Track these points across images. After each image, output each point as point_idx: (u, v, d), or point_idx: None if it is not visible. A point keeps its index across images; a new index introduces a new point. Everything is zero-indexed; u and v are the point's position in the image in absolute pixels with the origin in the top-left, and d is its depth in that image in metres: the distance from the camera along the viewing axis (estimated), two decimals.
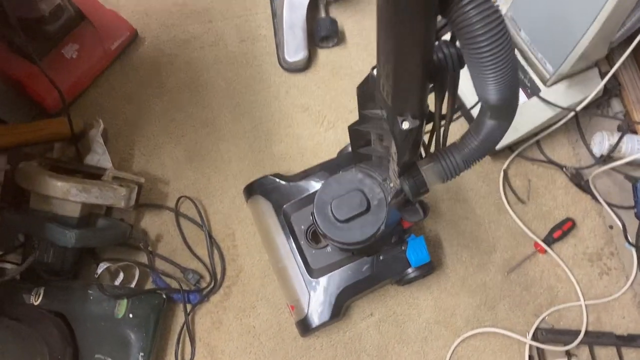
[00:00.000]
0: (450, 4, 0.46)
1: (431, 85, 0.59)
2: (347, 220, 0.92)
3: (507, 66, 0.49)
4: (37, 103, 1.13)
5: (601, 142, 1.21)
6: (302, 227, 1.06)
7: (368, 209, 0.92)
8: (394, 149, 0.79)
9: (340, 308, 1.02)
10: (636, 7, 0.96)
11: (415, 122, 0.57)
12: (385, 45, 0.52)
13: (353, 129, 0.81)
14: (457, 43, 0.54)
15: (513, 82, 0.52)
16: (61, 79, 1.14)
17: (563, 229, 1.16)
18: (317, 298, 1.02)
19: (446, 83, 0.59)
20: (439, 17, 0.49)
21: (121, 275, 1.05)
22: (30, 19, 1.07)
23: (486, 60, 0.49)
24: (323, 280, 1.03)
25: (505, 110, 0.58)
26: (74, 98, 1.19)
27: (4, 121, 1.13)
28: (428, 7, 0.45)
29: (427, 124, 0.65)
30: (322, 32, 1.25)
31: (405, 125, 0.57)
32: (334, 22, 1.26)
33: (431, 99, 0.61)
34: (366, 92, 0.67)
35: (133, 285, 1.05)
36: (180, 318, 1.06)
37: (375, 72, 0.63)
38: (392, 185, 0.93)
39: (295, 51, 1.24)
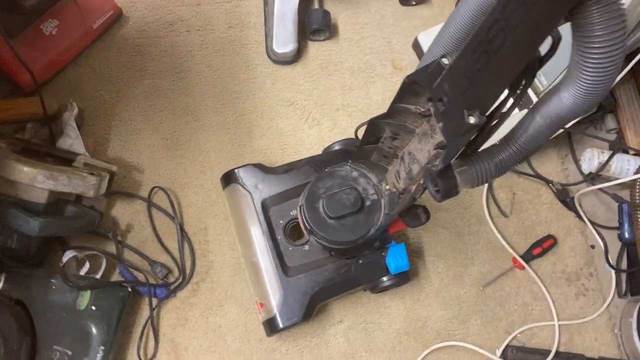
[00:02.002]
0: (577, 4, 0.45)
1: None
2: (338, 218, 0.90)
3: (609, 74, 0.49)
4: (11, 80, 1.09)
5: (591, 159, 1.18)
6: (281, 221, 1.03)
7: (361, 209, 0.91)
8: (414, 147, 0.77)
9: (312, 310, 1.00)
10: (636, 28, 0.92)
11: (483, 118, 0.56)
12: (485, 36, 0.50)
13: (374, 122, 0.79)
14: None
15: (604, 91, 0.51)
16: (38, 56, 1.11)
17: (543, 246, 1.14)
18: (289, 297, 0.99)
19: (519, 84, 0.58)
20: None
21: (87, 265, 1.02)
22: None
23: (592, 62, 0.48)
24: (298, 279, 0.99)
25: (568, 119, 0.57)
26: (50, 76, 1.14)
27: None
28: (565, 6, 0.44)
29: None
30: (313, 25, 1.21)
31: (472, 120, 0.56)
32: (326, 15, 1.22)
33: None
34: (416, 84, 0.64)
35: (99, 275, 1.03)
36: (145, 312, 1.04)
37: (444, 61, 0.61)
38: (387, 187, 0.90)
39: (284, 42, 1.19)
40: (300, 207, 0.95)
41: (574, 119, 0.58)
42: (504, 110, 0.63)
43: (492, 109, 0.62)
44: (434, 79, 0.62)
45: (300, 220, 0.96)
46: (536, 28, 0.46)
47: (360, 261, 1.01)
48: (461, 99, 0.58)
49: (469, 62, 0.55)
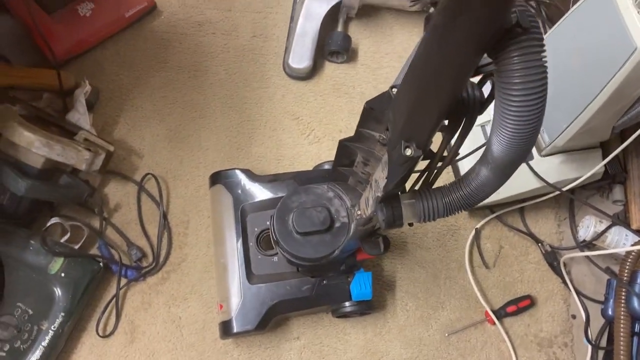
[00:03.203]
0: (501, 45, 0.46)
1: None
2: (305, 234, 0.91)
3: (530, 124, 0.48)
4: (41, 51, 1.17)
5: (588, 227, 1.14)
6: (256, 229, 1.04)
7: (329, 228, 0.92)
8: (378, 175, 0.78)
9: (267, 321, 1.00)
10: None
11: (419, 152, 0.57)
12: (417, 69, 0.51)
13: (343, 144, 0.81)
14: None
15: (529, 142, 0.51)
16: (70, 33, 1.19)
17: (519, 305, 1.10)
18: (247, 304, 1.00)
19: (459, 125, 0.59)
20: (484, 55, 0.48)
21: (68, 234, 1.07)
22: None
23: (512, 110, 0.48)
24: (259, 287, 1.01)
25: (507, 168, 0.57)
26: (78, 54, 1.22)
27: (9, 62, 1.18)
28: (482, 43, 0.44)
29: (424, 159, 0.64)
30: (332, 46, 1.23)
31: (408, 152, 0.57)
32: (346, 39, 1.24)
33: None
34: (374, 110, 0.67)
35: (77, 246, 1.07)
36: (112, 290, 1.07)
37: (394, 91, 0.63)
38: (359, 212, 0.91)
39: (300, 59, 1.22)
40: (271, 217, 0.96)
41: (511, 169, 0.57)
42: (449, 152, 0.63)
43: (436, 148, 0.62)
44: (385, 107, 0.63)
45: (270, 229, 0.98)
46: (452, 66, 0.46)
47: (325, 282, 1.02)
48: (401, 130, 0.59)
49: (404, 94, 0.56)
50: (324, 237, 0.92)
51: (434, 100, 0.52)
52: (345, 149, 0.83)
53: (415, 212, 0.68)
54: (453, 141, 0.63)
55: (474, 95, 0.57)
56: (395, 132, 0.61)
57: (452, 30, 0.43)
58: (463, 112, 0.57)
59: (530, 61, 0.45)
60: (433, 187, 0.70)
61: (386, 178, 0.66)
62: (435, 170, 0.68)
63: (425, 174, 0.70)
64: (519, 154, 0.53)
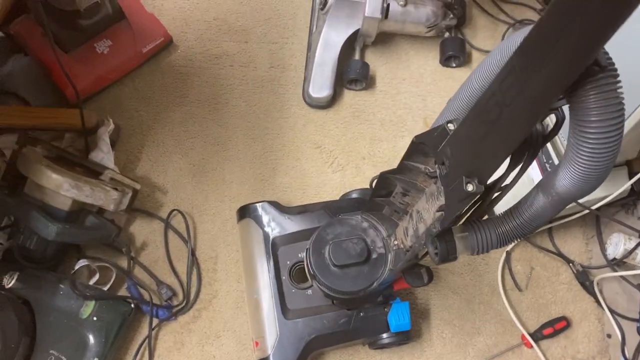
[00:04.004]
0: (577, 82, 0.46)
1: None
2: (342, 267, 0.90)
3: (604, 160, 0.48)
4: (60, 91, 1.16)
5: (617, 245, 1.14)
6: (288, 262, 1.03)
7: (367, 260, 0.90)
8: (422, 206, 0.77)
9: (306, 356, 0.99)
10: None
11: (481, 187, 0.56)
12: (487, 107, 0.51)
13: (384, 176, 0.80)
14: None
15: (601, 178, 0.51)
16: (88, 72, 1.18)
17: (555, 327, 1.09)
18: (284, 340, 0.98)
19: (522, 159, 0.59)
20: None
21: (97, 276, 1.05)
22: (67, 11, 1.09)
23: (587, 146, 0.48)
24: (296, 322, 0.99)
25: (569, 201, 0.57)
26: (96, 91, 1.21)
27: (27, 103, 1.16)
28: (567, 84, 0.45)
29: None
30: (351, 74, 1.23)
31: (470, 188, 0.56)
32: (365, 66, 1.24)
33: None
34: (424, 145, 0.66)
35: (107, 288, 1.05)
36: (144, 331, 1.05)
37: (450, 127, 0.62)
38: (395, 242, 0.90)
39: (320, 88, 1.22)
40: (306, 250, 0.95)
41: (574, 200, 0.57)
42: (507, 182, 0.62)
43: (493, 179, 0.61)
44: (439, 142, 0.63)
45: (305, 263, 0.97)
46: (530, 106, 0.46)
47: (362, 314, 1.00)
48: (461, 165, 0.59)
49: (469, 130, 0.56)
50: (361, 269, 0.91)
51: (503, 139, 0.52)
52: (385, 180, 0.83)
53: (468, 245, 0.68)
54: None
55: (536, 130, 0.57)
56: (454, 168, 0.61)
57: (538, 72, 0.43)
58: (526, 146, 0.57)
59: (607, 99, 0.45)
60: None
61: (443, 213, 0.66)
62: (489, 202, 0.67)
63: (476, 206, 0.69)
64: (587, 189, 0.53)
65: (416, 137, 0.67)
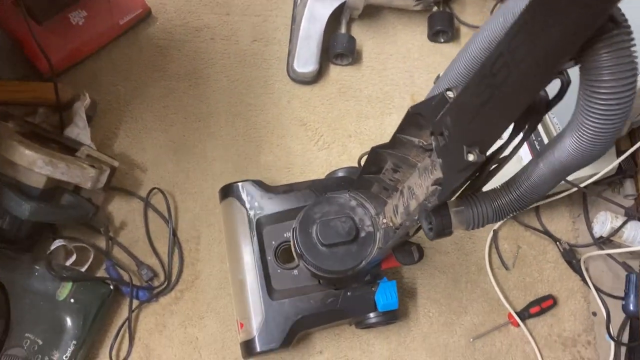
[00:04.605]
0: (589, 40, 0.43)
1: None
2: (330, 246, 0.88)
3: (614, 123, 0.46)
4: (31, 63, 1.10)
5: (604, 223, 1.13)
6: (274, 242, 1.00)
7: (355, 239, 0.88)
8: (414, 182, 0.75)
9: (292, 338, 0.96)
10: None
11: (482, 157, 0.54)
12: (491, 70, 0.48)
13: (376, 151, 0.77)
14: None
15: (609, 143, 0.49)
16: (62, 44, 1.12)
17: (542, 306, 1.09)
18: (270, 321, 0.96)
19: (523, 126, 0.56)
20: None
21: (74, 256, 1.01)
22: None
23: (597, 108, 0.46)
24: (282, 303, 0.96)
25: (572, 169, 0.55)
26: (71, 65, 1.15)
27: None
28: (580, 41, 0.42)
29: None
30: (337, 49, 1.20)
31: (471, 158, 0.54)
32: (351, 40, 1.21)
33: None
34: (421, 115, 0.63)
35: (84, 269, 1.01)
36: (124, 313, 1.02)
37: (449, 94, 0.59)
38: (384, 220, 0.88)
39: (305, 62, 1.18)
40: (293, 229, 0.92)
41: (578, 169, 0.55)
42: (506, 153, 0.60)
43: (493, 149, 0.59)
44: (437, 111, 0.60)
45: (291, 243, 0.94)
46: (540, 65, 0.44)
47: (349, 293, 0.98)
48: (462, 134, 0.56)
49: (472, 96, 0.53)
50: (350, 248, 0.89)
51: (509, 103, 0.49)
52: (376, 156, 0.80)
53: (464, 219, 0.66)
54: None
55: (539, 96, 0.55)
56: (453, 138, 0.58)
57: (549, 28, 0.40)
58: (528, 113, 0.55)
59: (621, 57, 0.43)
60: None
61: (439, 187, 0.63)
62: (486, 175, 0.65)
63: (472, 179, 0.67)
64: (594, 155, 0.51)
65: (412, 107, 0.64)
